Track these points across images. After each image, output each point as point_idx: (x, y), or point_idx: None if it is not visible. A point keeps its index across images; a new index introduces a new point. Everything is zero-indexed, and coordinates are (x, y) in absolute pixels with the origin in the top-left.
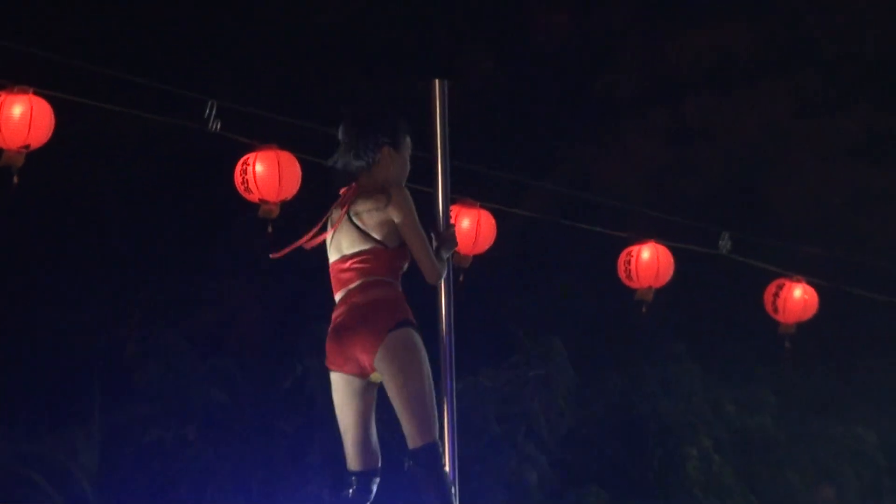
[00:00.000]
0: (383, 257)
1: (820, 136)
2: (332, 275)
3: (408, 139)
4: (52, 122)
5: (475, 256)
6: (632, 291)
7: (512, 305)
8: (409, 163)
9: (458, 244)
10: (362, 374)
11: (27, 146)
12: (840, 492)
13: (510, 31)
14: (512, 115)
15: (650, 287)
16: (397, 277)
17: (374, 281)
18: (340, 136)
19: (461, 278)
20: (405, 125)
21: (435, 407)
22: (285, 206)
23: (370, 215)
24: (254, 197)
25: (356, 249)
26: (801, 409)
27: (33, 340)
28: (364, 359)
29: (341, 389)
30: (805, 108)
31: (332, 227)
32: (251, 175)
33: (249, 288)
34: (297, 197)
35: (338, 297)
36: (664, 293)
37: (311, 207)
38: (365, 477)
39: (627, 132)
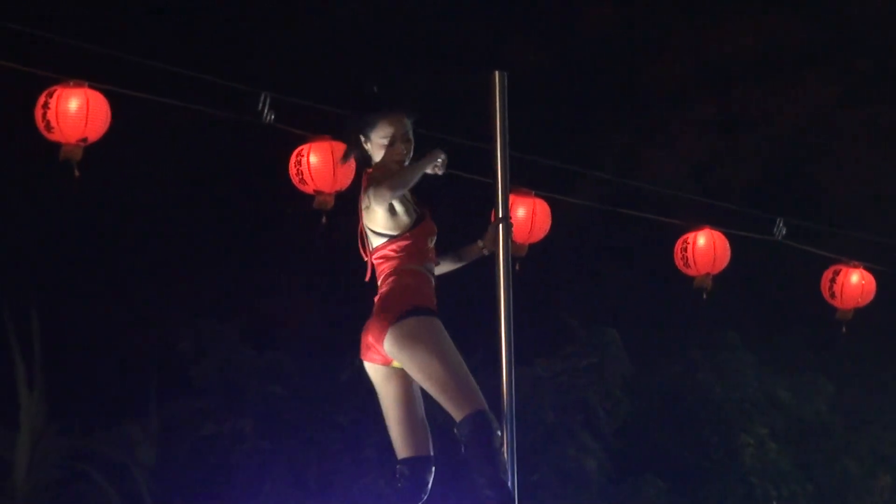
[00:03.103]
0: (397, 247)
1: (870, 122)
2: None
3: (378, 131)
4: (109, 115)
5: (530, 245)
6: (687, 279)
7: (566, 294)
8: (393, 145)
9: (511, 236)
10: (384, 362)
11: (84, 139)
12: None
13: (560, 24)
14: (563, 106)
15: (708, 274)
16: (422, 260)
17: (393, 270)
18: None
19: (518, 267)
20: (374, 117)
21: (465, 379)
22: (339, 196)
23: (366, 214)
24: (308, 188)
25: (373, 245)
26: (858, 396)
27: (90, 336)
28: (377, 347)
29: (373, 377)
30: (854, 95)
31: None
32: (305, 166)
33: (305, 281)
34: (352, 188)
35: None
36: (719, 281)
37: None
38: (415, 464)
39: (677, 121)
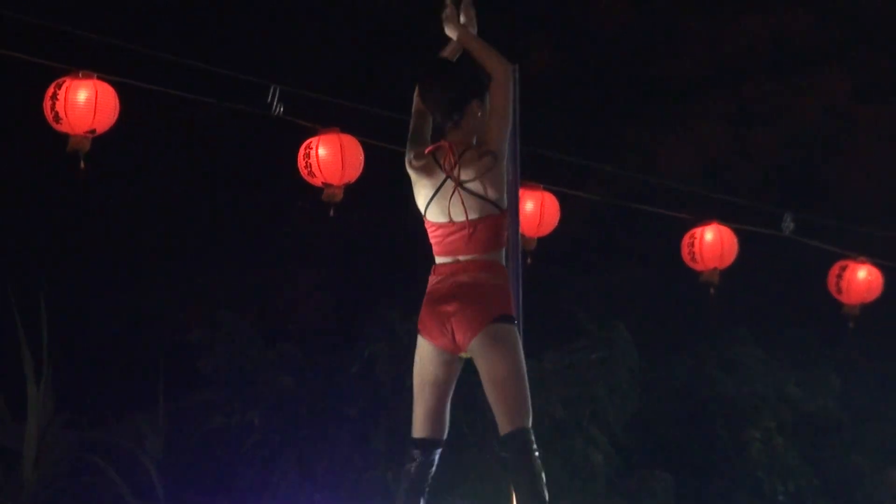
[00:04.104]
0: (496, 223)
1: (882, 118)
2: (435, 237)
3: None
4: (117, 107)
5: (539, 239)
6: (695, 274)
7: (575, 289)
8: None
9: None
10: (453, 350)
11: (92, 131)
12: None
13: (572, 16)
14: (573, 99)
15: (715, 268)
16: (504, 246)
17: (486, 261)
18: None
19: (528, 260)
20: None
21: (528, 396)
22: (348, 189)
23: (484, 180)
24: (317, 181)
25: (469, 217)
26: (865, 392)
27: (98, 327)
28: (460, 338)
29: (427, 356)
30: (866, 91)
31: (431, 190)
32: (314, 159)
33: (315, 272)
34: (360, 180)
35: (441, 259)
36: (727, 276)
37: (373, 190)
38: (428, 445)
39: (688, 116)
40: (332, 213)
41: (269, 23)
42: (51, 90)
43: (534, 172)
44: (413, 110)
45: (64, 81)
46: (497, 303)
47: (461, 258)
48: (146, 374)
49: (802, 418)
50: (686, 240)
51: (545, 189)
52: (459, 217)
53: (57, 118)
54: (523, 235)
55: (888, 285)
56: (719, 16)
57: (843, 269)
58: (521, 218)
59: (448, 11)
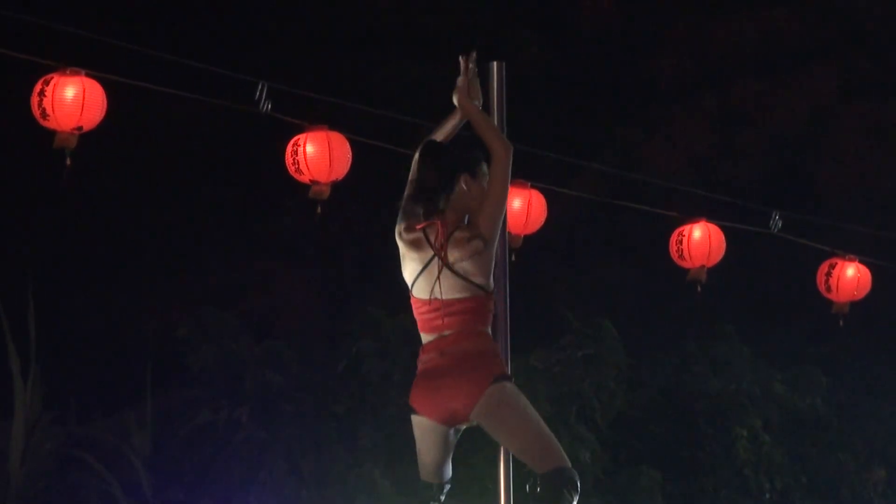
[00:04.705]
0: (481, 304)
1: (870, 118)
2: (419, 313)
3: (484, 167)
4: (104, 104)
5: (525, 237)
6: (683, 272)
7: (562, 286)
8: (485, 190)
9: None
10: (452, 422)
11: (79, 128)
12: (893, 473)
13: (560, 15)
14: (560, 98)
15: (703, 266)
16: (489, 323)
17: (471, 332)
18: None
19: (513, 258)
20: (480, 153)
21: (550, 437)
22: (335, 186)
23: (471, 263)
24: (305, 178)
25: (453, 297)
26: (852, 390)
27: (86, 324)
28: (460, 409)
29: (426, 432)
30: (854, 91)
31: (418, 266)
32: (302, 156)
33: (303, 270)
34: (348, 177)
35: (426, 338)
36: (715, 273)
37: (361, 188)
38: (440, 487)
39: (675, 115)
40: (319, 210)
41: (258, 20)
42: (38, 86)
43: (521, 170)
44: (409, 179)
45: (52, 78)
46: (489, 366)
47: (445, 334)
48: (134, 370)
49: (789, 416)
50: (674, 237)
51: (532, 187)
52: (444, 296)
53: (44, 115)
54: (509, 233)
55: (877, 283)
56: (707, 16)
57: (832, 266)
58: (509, 215)
59: (461, 81)
